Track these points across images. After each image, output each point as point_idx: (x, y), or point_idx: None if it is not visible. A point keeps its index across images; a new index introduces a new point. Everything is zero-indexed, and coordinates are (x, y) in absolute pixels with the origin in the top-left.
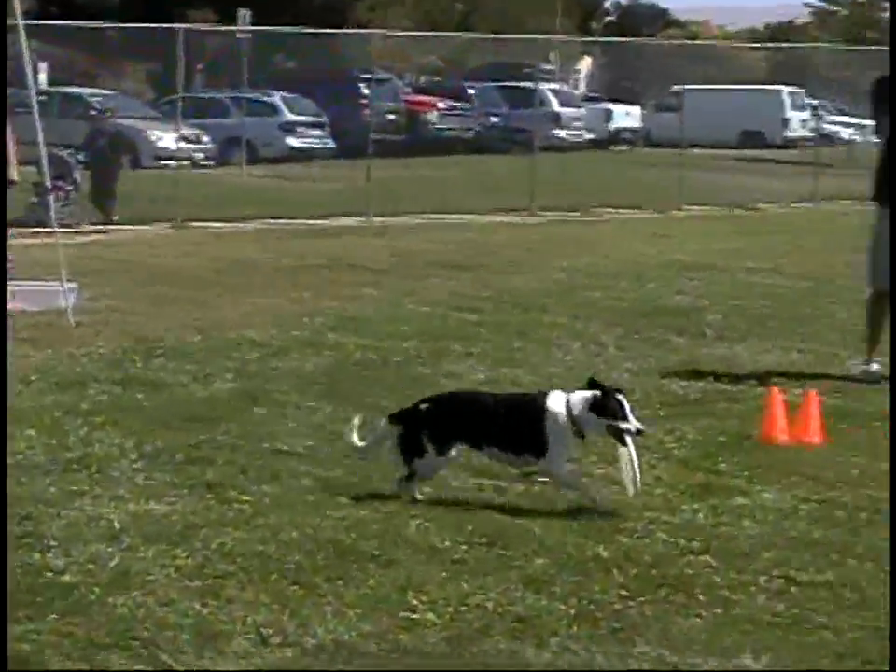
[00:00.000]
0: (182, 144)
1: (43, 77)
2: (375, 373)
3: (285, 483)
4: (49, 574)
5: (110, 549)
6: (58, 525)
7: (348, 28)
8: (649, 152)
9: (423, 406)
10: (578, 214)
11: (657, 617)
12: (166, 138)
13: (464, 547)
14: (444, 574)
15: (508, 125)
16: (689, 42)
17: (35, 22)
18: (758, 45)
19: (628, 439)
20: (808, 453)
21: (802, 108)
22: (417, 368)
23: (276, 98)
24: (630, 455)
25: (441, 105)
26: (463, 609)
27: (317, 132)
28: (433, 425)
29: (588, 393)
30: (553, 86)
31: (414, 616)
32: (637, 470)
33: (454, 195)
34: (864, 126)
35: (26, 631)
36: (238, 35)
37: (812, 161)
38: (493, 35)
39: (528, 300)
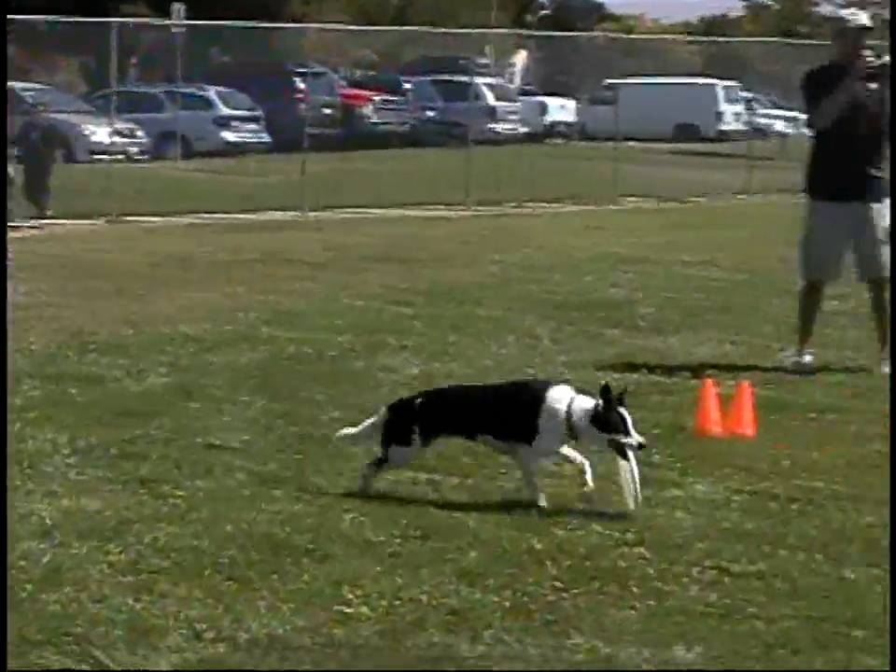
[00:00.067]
0: (116, 138)
1: None
2: (310, 367)
3: (219, 478)
4: None
5: (42, 545)
6: None
7: (283, 22)
8: (584, 146)
9: (418, 400)
10: (513, 207)
11: (591, 609)
12: (100, 132)
13: (398, 541)
14: (378, 568)
15: (443, 119)
16: (624, 36)
17: None
18: (692, 38)
19: (629, 453)
20: (741, 444)
21: (735, 101)
22: (352, 362)
23: (211, 92)
24: (631, 469)
25: (376, 98)
26: (397, 602)
27: (252, 126)
28: (425, 418)
29: (590, 403)
30: (488, 80)
31: (348, 610)
32: (638, 484)
33: (389, 189)
34: (797, 119)
35: None
36: (172, 30)
37: (746, 153)
38: (428, 29)
39: (463, 293)
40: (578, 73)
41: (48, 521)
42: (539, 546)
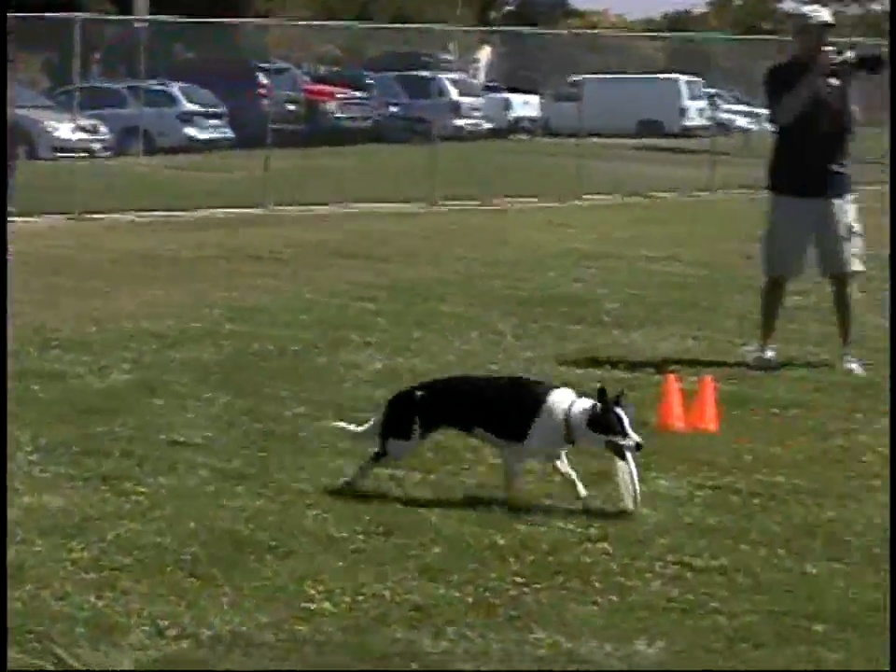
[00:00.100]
0: (79, 134)
1: None
2: (273, 364)
3: (182, 475)
4: None
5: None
6: None
7: (247, 18)
8: (548, 141)
9: (418, 393)
10: (477, 203)
11: (553, 604)
12: (63, 129)
13: (361, 537)
14: (341, 564)
15: (407, 115)
16: (587, 31)
17: None
18: (656, 34)
19: (628, 454)
20: (704, 439)
21: (699, 97)
22: (315, 358)
23: (174, 88)
24: (630, 470)
25: (340, 94)
26: (360, 598)
27: (216, 122)
28: (425, 410)
29: (587, 404)
30: (452, 75)
31: (311, 606)
32: (637, 485)
33: (353, 185)
34: (760, 115)
35: None
36: (136, 25)
37: (709, 149)
38: (392, 25)
39: (427, 289)
40: (542, 69)
41: (10, 518)
42: (501, 542)
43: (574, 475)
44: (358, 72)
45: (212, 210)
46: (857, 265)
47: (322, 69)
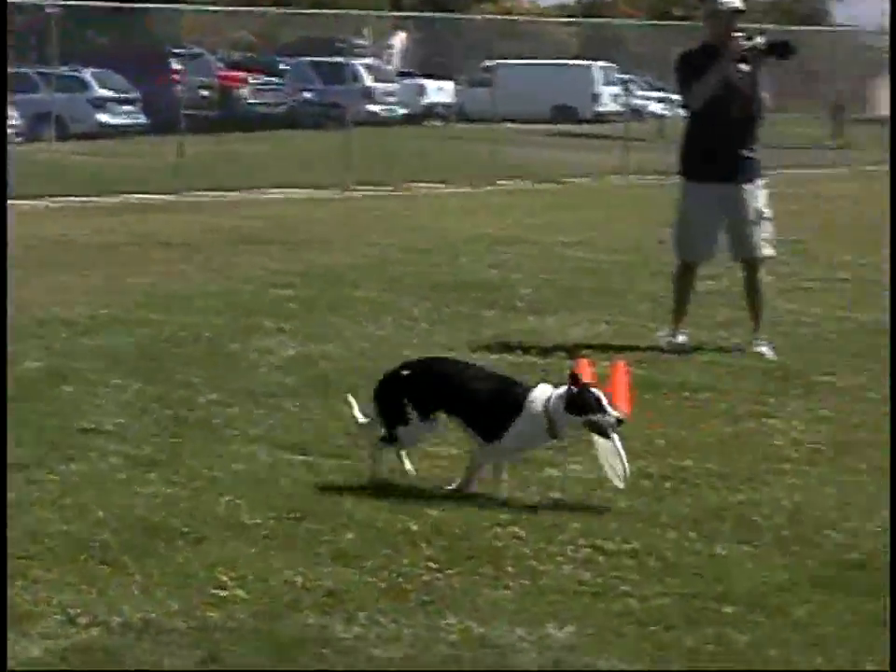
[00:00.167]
0: None
1: None
2: (186, 350)
3: (93, 462)
4: None
5: None
6: None
7: (160, 3)
8: (462, 127)
9: (404, 371)
10: (391, 189)
11: (465, 589)
12: None
13: (273, 523)
14: (253, 550)
15: (321, 100)
16: (501, 17)
17: None
18: (569, 20)
19: (611, 431)
20: None
21: (612, 83)
22: (228, 344)
23: (86, 74)
24: (616, 446)
25: (253, 80)
26: (272, 584)
27: (129, 107)
28: (414, 390)
29: (561, 390)
30: (366, 61)
31: (223, 593)
32: (626, 461)
33: (267, 171)
34: (674, 100)
35: None
36: (47, 10)
37: (622, 135)
38: (306, 10)
39: (340, 275)
40: (456, 54)
41: None
42: (414, 527)
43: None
44: (272, 58)
45: (125, 196)
46: (767, 250)
47: (236, 55)
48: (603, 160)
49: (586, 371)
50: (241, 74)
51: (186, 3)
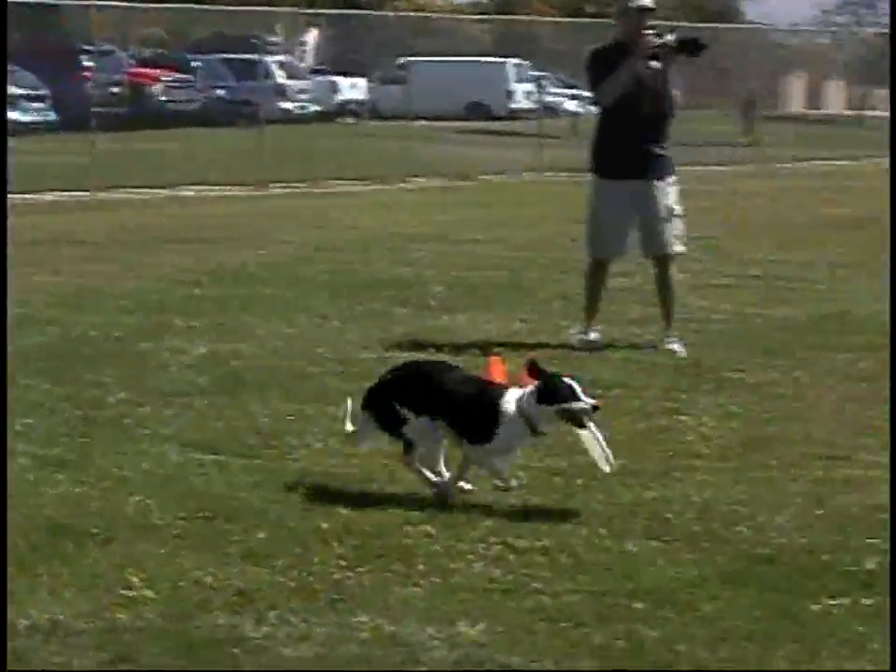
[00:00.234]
0: None
1: None
2: (96, 349)
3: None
4: None
5: None
6: None
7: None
8: (375, 125)
9: (387, 376)
10: (304, 186)
11: (376, 587)
12: None
13: (183, 522)
14: (163, 550)
15: (233, 98)
16: (414, 14)
17: None
18: (483, 17)
19: (586, 419)
20: None
21: (526, 80)
22: (139, 343)
23: None
24: (594, 433)
25: (165, 77)
26: (182, 584)
27: (39, 104)
28: (399, 391)
29: (532, 386)
30: (278, 58)
31: (132, 593)
32: (606, 446)
33: (179, 169)
34: (587, 98)
35: None
36: None
37: (536, 132)
38: (218, 7)
39: (252, 273)
40: (369, 51)
41: None
42: (325, 525)
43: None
44: (184, 55)
45: (35, 194)
46: (678, 247)
47: (147, 52)
48: (517, 157)
49: (498, 369)
50: (152, 71)
51: None
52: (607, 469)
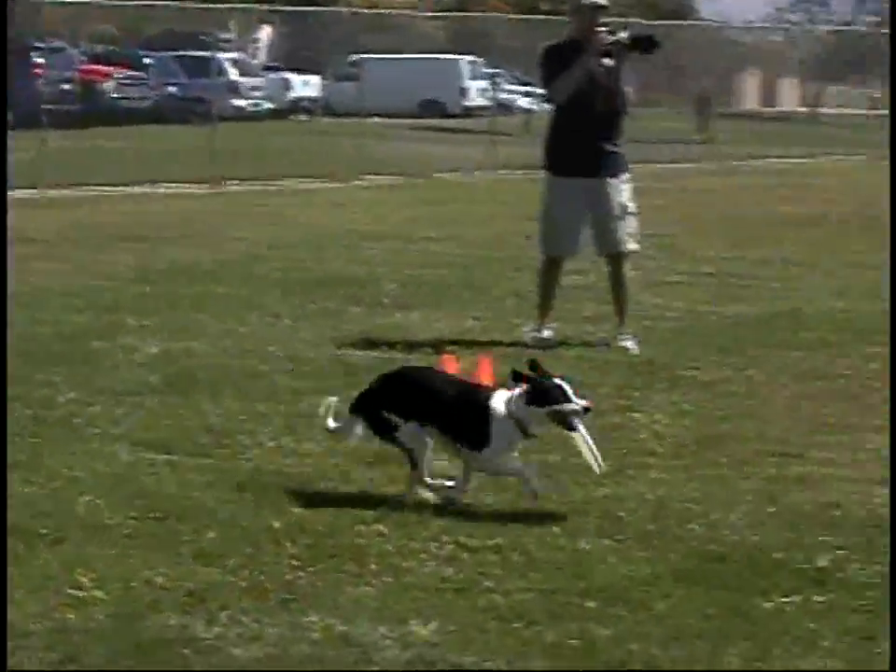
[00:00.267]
0: None
1: None
2: (47, 348)
3: None
4: None
5: None
6: None
7: None
8: (328, 122)
9: (374, 384)
10: (258, 184)
11: (328, 586)
12: None
13: (135, 523)
14: (114, 551)
15: (186, 95)
16: (368, 11)
17: None
18: (437, 14)
19: (576, 421)
20: None
21: (480, 77)
22: (90, 342)
23: None
24: (583, 436)
25: (117, 74)
26: (132, 585)
27: None
28: (386, 398)
29: (523, 388)
30: (231, 55)
31: (82, 594)
32: (595, 448)
33: (131, 167)
34: (541, 95)
35: None
36: None
37: (490, 129)
38: (170, 3)
39: (205, 271)
40: (323, 48)
41: None
42: (277, 525)
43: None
44: (135, 51)
45: None
46: (631, 245)
47: (99, 48)
48: (470, 154)
49: (452, 367)
50: (104, 68)
51: None
52: (598, 469)
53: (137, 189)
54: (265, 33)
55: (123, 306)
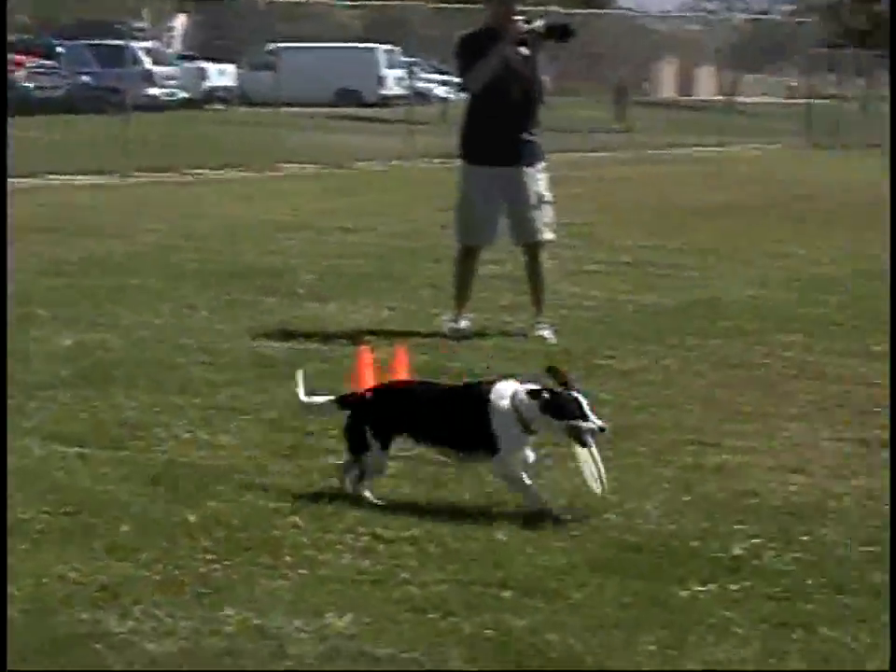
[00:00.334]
0: None
1: None
2: None
3: None
4: None
5: None
6: None
7: None
8: (244, 111)
9: (367, 395)
10: (172, 175)
11: (243, 579)
12: None
13: (47, 517)
14: (25, 546)
15: (99, 84)
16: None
17: None
18: (354, 3)
19: (590, 439)
20: None
21: (397, 66)
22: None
23: None
24: (592, 454)
25: (29, 63)
26: (45, 580)
27: None
28: (375, 416)
29: (535, 388)
30: (145, 44)
31: None
32: (602, 467)
33: (44, 157)
34: (458, 84)
35: None
36: None
37: (407, 119)
38: None
39: (119, 263)
40: (238, 37)
41: None
42: (192, 518)
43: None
44: (48, 40)
45: None
46: (548, 234)
47: (11, 37)
48: (388, 144)
49: (368, 358)
50: (16, 57)
51: None
52: (598, 490)
53: (50, 180)
54: (180, 21)
55: (35, 298)
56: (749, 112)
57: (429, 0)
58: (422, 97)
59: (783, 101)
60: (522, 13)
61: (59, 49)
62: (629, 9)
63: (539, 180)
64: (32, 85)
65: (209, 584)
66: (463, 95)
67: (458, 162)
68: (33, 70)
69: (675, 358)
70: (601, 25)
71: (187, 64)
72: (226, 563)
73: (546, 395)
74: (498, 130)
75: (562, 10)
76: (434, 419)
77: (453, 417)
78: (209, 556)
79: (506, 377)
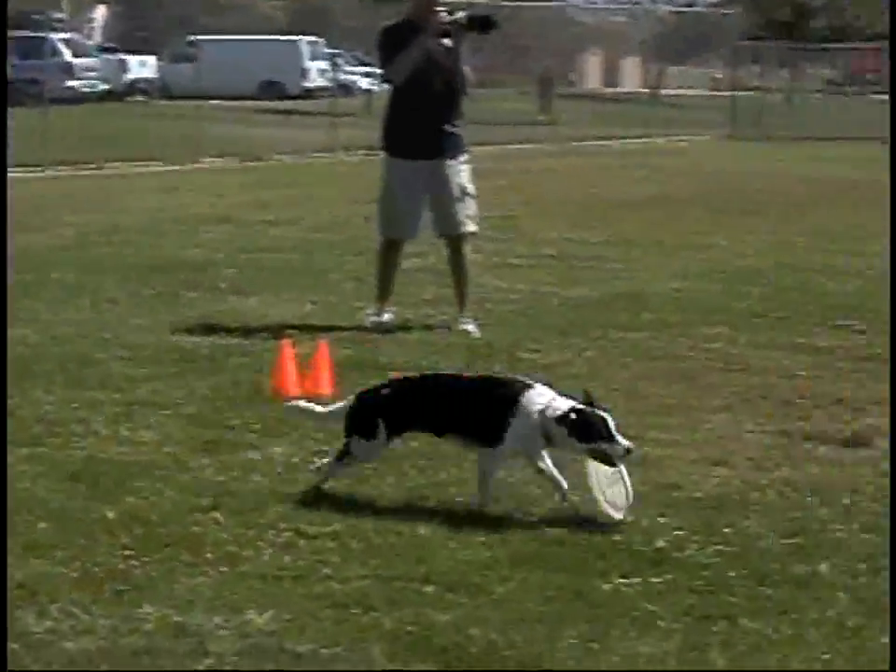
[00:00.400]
0: None
1: None
2: None
3: None
4: None
5: None
6: None
7: None
8: (165, 104)
9: (384, 390)
10: (92, 167)
11: (162, 577)
12: None
13: None
14: None
15: (17, 76)
16: None
17: None
18: None
19: (619, 460)
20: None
21: (321, 58)
22: None
23: None
24: (621, 475)
25: None
26: None
27: None
28: (391, 411)
29: (566, 406)
30: (64, 35)
31: None
32: (630, 489)
33: None
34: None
35: None
36: None
37: (330, 111)
38: None
39: (37, 257)
40: (159, 29)
41: None
42: (111, 515)
43: (559, 477)
44: None
45: None
46: (471, 227)
47: None
48: (311, 136)
49: (290, 352)
50: None
51: None
52: (618, 516)
53: None
54: (100, 12)
55: None
56: (675, 104)
57: None
58: (345, 89)
59: (708, 93)
60: (444, 4)
61: None
62: (555, 1)
63: (461, 172)
64: None
65: (128, 581)
66: (386, 87)
67: (381, 155)
68: None
69: (599, 351)
70: (527, 17)
71: (107, 56)
72: (145, 560)
73: (573, 416)
74: (421, 122)
75: (487, 1)
76: (455, 410)
77: (475, 406)
78: (128, 553)
79: (546, 384)
